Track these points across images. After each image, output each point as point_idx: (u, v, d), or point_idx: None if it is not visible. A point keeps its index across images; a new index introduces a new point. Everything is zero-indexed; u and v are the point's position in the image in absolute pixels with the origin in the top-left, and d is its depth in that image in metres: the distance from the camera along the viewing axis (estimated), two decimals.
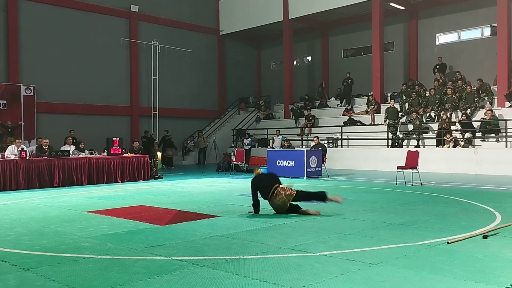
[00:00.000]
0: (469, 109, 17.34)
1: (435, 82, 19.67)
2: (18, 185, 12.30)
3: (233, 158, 17.37)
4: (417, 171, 12.54)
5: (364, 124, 20.00)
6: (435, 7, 21.72)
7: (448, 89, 18.19)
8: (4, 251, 5.47)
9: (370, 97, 20.88)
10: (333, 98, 24.14)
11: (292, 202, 7.70)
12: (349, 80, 23.10)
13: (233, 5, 26.23)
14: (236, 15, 25.99)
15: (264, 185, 7.84)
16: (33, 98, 19.62)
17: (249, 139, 21.66)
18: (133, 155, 15.04)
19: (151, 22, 23.68)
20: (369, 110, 20.41)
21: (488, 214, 7.57)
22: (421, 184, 12.21)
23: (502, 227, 6.42)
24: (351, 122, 20.39)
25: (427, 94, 19.09)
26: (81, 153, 14.42)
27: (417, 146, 17.30)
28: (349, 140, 19.58)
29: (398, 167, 12.68)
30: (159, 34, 23.78)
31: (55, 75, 20.51)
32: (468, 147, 16.06)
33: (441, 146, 16.70)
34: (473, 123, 16.85)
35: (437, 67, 20.39)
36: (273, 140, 20.16)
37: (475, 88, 18.11)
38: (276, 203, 7.72)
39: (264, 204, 7.92)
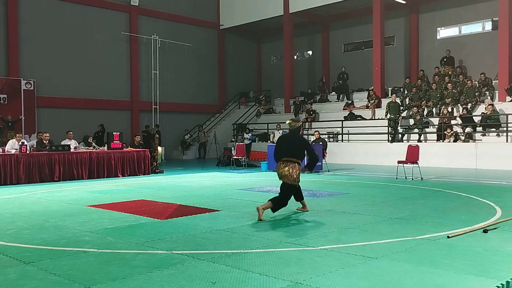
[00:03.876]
0: (469, 104, 17.31)
1: (436, 76, 19.63)
2: (19, 179, 12.31)
3: (234, 152, 17.37)
4: (417, 165, 12.54)
5: (365, 119, 19.98)
6: (436, 1, 21.64)
7: (449, 84, 18.16)
8: (5, 245, 5.48)
9: (370, 91, 20.85)
10: (333, 93, 24.12)
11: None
12: (345, 75, 23.11)
13: None
14: (236, 9, 25.90)
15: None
16: (33, 92, 19.60)
17: (250, 133, 21.65)
18: (133, 149, 15.05)
19: (151, 16, 23.61)
20: (369, 104, 20.38)
21: (488, 209, 7.58)
22: (422, 178, 12.21)
23: (502, 221, 6.43)
24: (351, 117, 20.37)
25: (433, 88, 18.89)
26: (88, 147, 14.46)
27: (418, 140, 17.29)
28: (349, 135, 19.57)
29: (399, 162, 12.68)
30: (159, 28, 23.72)
31: (55, 69, 20.48)
32: (468, 141, 16.05)
33: (441, 140, 16.69)
34: (473, 117, 16.83)
35: (444, 59, 20.25)
36: (274, 134, 20.16)
37: (476, 83, 18.08)
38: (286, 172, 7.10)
39: (262, 201, 7.89)
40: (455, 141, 16.30)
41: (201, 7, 25.85)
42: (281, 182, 7.19)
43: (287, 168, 7.04)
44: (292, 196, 7.34)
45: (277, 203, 7.04)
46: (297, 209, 7.56)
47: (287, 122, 7.59)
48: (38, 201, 9.18)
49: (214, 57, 26.69)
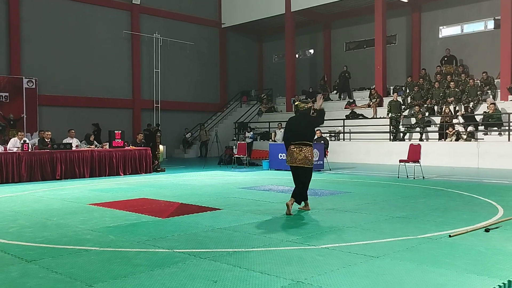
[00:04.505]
0: (471, 103, 17.28)
1: (438, 75, 19.59)
2: (21, 178, 12.33)
3: (235, 151, 17.36)
4: (419, 164, 12.52)
5: (367, 118, 19.96)
6: None
7: (451, 83, 18.13)
8: (7, 243, 5.49)
9: (372, 90, 20.83)
10: (335, 92, 24.10)
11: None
12: (346, 74, 23.09)
13: None
14: (238, 8, 25.88)
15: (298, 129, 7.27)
16: (35, 90, 19.62)
17: (251, 132, 21.64)
18: (135, 148, 15.06)
19: (153, 14, 23.62)
20: (371, 103, 20.36)
21: (490, 208, 7.56)
22: (423, 177, 12.20)
23: (504, 220, 6.42)
24: (353, 116, 20.35)
25: (436, 86, 18.84)
26: (90, 146, 14.48)
27: (420, 139, 17.27)
28: (351, 134, 19.56)
29: (400, 161, 12.67)
30: (160, 26, 23.72)
31: (57, 68, 20.50)
32: (470, 140, 16.03)
33: (443, 139, 16.68)
34: (475, 116, 16.80)
35: (445, 59, 20.21)
36: (275, 133, 20.15)
37: (478, 81, 18.05)
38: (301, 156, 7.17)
39: (263, 199, 7.90)
40: (456, 140, 16.28)
41: (202, 5, 25.83)
42: (293, 169, 7.24)
43: (302, 152, 7.12)
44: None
45: (297, 196, 7.21)
46: (299, 208, 7.55)
47: (296, 103, 7.58)
48: (40, 199, 9.19)
49: (216, 56, 26.68)
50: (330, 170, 15.01)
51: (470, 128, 16.43)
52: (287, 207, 7.14)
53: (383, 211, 7.40)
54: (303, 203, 7.55)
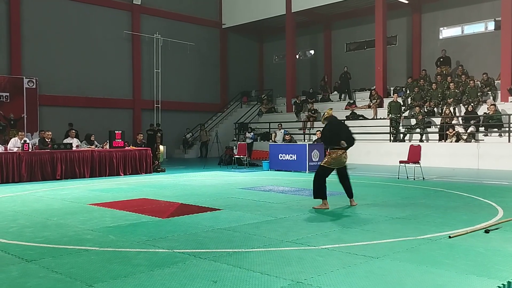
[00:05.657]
0: (472, 104, 17.28)
1: (438, 76, 19.59)
2: (21, 178, 12.33)
3: (235, 151, 17.37)
4: (419, 165, 12.52)
5: (367, 118, 19.96)
6: (438, 0, 21.60)
7: (451, 84, 18.13)
8: (7, 243, 5.49)
9: (372, 91, 20.83)
10: (335, 92, 24.11)
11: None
12: (348, 74, 23.09)
13: None
14: (238, 8, 25.89)
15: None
16: (36, 90, 19.62)
17: (252, 133, 21.64)
18: (135, 148, 15.06)
19: (154, 15, 23.63)
20: (371, 104, 20.36)
21: (490, 209, 7.57)
22: (423, 178, 12.20)
23: (504, 221, 6.42)
24: (353, 116, 20.35)
25: (433, 88, 18.86)
26: (91, 146, 14.48)
27: (420, 140, 17.26)
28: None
29: (401, 161, 12.67)
30: (161, 27, 23.73)
31: (57, 68, 20.51)
32: (470, 141, 16.03)
33: (443, 140, 16.68)
34: (476, 117, 16.79)
35: (441, 59, 20.24)
36: (275, 133, 20.15)
37: (478, 83, 18.05)
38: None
39: (263, 200, 7.88)
40: (457, 141, 16.28)
41: (203, 6, 25.84)
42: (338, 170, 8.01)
43: (343, 157, 8.00)
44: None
45: (349, 189, 8.06)
46: (313, 207, 7.65)
47: (327, 110, 8.29)
48: (40, 199, 9.20)
49: (216, 56, 26.69)
50: None
51: (470, 129, 16.43)
52: (324, 209, 7.57)
53: (383, 212, 7.41)
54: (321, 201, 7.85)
